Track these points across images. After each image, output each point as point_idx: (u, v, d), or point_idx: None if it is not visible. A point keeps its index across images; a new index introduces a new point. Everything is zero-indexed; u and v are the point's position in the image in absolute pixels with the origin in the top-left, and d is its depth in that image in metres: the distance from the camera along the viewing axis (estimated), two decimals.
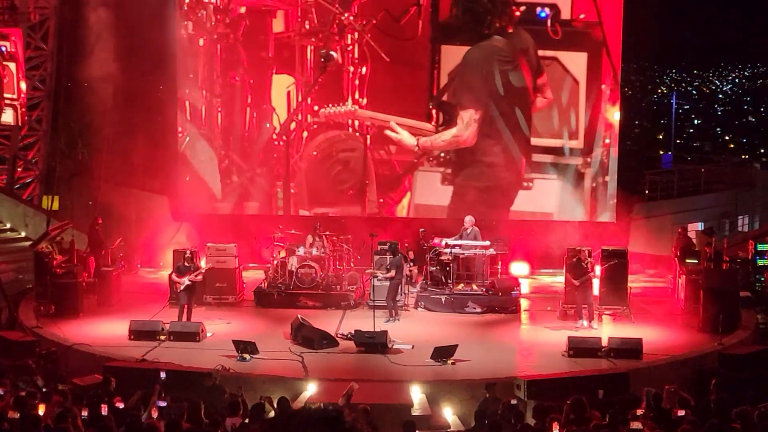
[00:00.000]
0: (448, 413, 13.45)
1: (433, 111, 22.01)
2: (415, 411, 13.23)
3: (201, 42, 22.42)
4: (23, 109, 23.33)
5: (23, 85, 23.09)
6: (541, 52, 21.61)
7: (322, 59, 21.63)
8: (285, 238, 19.77)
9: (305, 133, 22.33)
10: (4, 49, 22.52)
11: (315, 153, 22.28)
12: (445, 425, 12.94)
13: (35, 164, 25.31)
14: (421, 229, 20.61)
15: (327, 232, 19.61)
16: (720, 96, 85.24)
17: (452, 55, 21.83)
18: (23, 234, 23.48)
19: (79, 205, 24.21)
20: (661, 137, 47.91)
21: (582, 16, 21.48)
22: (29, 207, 24.15)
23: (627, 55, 21.76)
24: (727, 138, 69.35)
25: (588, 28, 21.48)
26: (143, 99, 22.56)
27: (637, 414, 11.25)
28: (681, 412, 10.97)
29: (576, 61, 21.61)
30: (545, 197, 21.99)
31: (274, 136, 22.36)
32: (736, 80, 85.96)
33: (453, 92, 21.92)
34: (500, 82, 21.61)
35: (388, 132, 21.86)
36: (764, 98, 79.39)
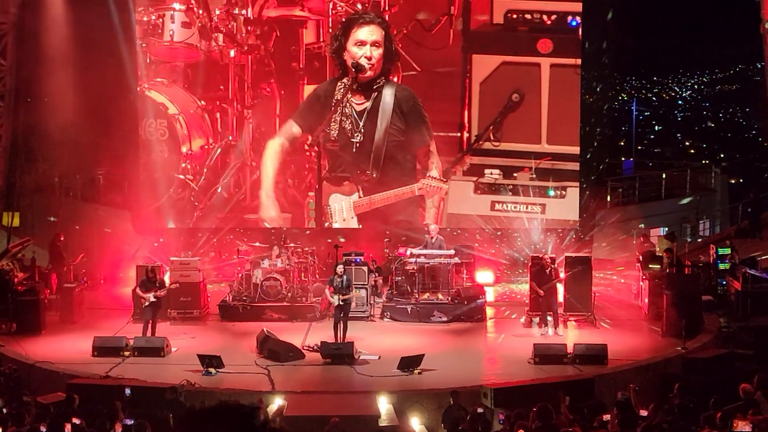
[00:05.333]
0: (416, 423, 13.44)
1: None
2: (383, 422, 13.23)
3: (231, 53, 22.12)
4: None
5: None
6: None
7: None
8: (249, 251, 19.68)
9: None
10: None
11: None
12: None
13: None
14: (386, 239, 20.61)
15: (292, 244, 19.55)
16: (679, 102, 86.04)
17: (484, 65, 21.82)
18: None
19: (40, 221, 23.93)
20: (622, 144, 48.27)
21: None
22: None
23: (587, 63, 21.97)
24: (687, 143, 70.01)
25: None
26: (105, 113, 22.35)
27: (604, 420, 11.33)
28: (644, 412, 11.06)
29: None
30: None
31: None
32: (695, 86, 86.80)
33: None
34: None
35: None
36: (722, 104, 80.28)
